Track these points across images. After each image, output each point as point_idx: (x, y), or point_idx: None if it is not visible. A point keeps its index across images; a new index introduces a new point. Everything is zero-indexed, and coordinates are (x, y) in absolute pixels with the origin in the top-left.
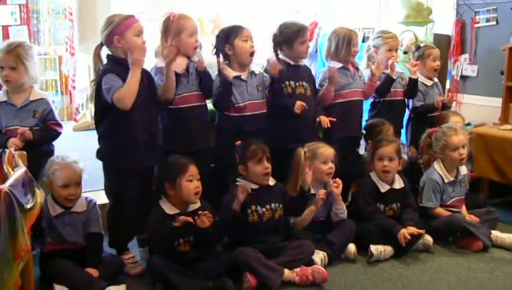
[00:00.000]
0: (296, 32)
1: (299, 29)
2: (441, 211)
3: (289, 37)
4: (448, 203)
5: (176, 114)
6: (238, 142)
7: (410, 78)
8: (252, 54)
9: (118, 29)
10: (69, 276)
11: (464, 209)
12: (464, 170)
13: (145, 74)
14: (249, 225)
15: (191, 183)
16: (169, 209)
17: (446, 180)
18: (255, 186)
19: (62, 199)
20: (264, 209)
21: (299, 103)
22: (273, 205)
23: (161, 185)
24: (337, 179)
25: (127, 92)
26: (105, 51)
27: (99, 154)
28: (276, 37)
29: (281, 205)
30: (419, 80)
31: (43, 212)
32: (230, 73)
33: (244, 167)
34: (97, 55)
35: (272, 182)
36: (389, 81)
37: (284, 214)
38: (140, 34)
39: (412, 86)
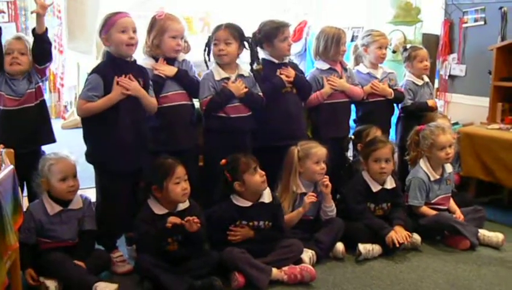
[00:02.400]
0: (276, 29)
1: (279, 26)
2: (426, 210)
3: (269, 35)
4: (434, 201)
5: (161, 113)
6: (223, 161)
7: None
8: (221, 56)
9: (104, 29)
10: (61, 269)
11: (453, 205)
12: (449, 167)
13: (140, 73)
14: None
15: (178, 185)
16: (157, 209)
17: (432, 178)
18: (248, 204)
19: (63, 194)
20: (250, 224)
21: (284, 76)
22: (261, 223)
23: (148, 186)
24: (325, 178)
25: (90, 110)
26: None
27: (88, 158)
28: (256, 35)
29: (270, 223)
30: (410, 79)
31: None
32: (240, 91)
33: (241, 182)
34: (104, 54)
35: (268, 199)
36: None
37: (273, 227)
38: (126, 30)
39: (395, 99)
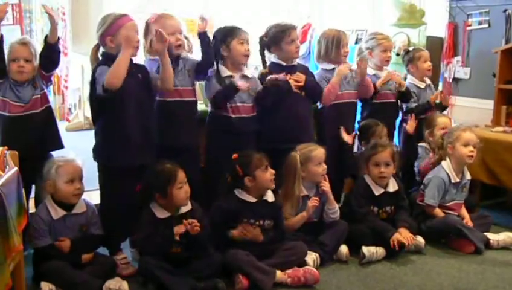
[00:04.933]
0: (282, 32)
1: (285, 28)
2: (438, 212)
3: (276, 38)
4: (448, 204)
5: (165, 107)
6: (235, 156)
7: (399, 91)
8: (246, 56)
9: (110, 30)
10: (63, 276)
11: (464, 212)
12: (468, 175)
13: (139, 69)
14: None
15: (182, 190)
16: (159, 213)
17: (453, 180)
18: (253, 200)
19: (69, 197)
20: (257, 223)
21: (292, 81)
22: (266, 222)
23: (150, 192)
24: (324, 178)
25: (115, 70)
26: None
27: (95, 154)
28: (263, 39)
29: (271, 223)
30: (412, 82)
31: (39, 217)
32: (245, 86)
33: (251, 177)
34: (94, 55)
35: (271, 198)
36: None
37: (275, 228)
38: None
39: (403, 95)
